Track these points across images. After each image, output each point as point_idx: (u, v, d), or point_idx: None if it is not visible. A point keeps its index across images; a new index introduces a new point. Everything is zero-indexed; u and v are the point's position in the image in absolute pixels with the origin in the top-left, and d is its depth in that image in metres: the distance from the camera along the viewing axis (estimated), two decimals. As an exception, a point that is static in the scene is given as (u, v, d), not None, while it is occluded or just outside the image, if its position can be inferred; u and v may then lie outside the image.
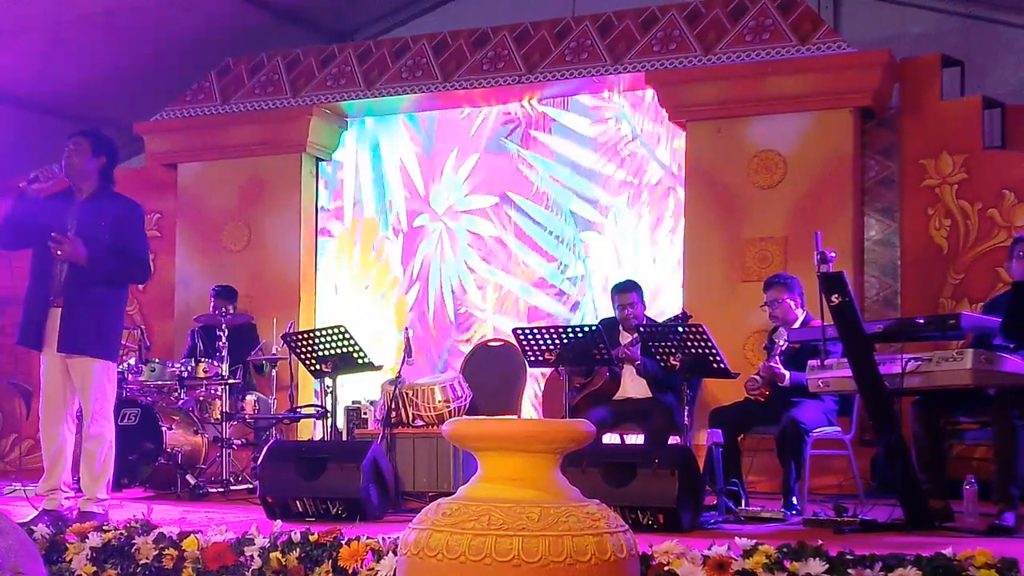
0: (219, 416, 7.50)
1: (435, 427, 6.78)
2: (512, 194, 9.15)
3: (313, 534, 4.38)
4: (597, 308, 8.69)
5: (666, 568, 3.89)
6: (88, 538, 4.72)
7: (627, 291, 7.06)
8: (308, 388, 8.73)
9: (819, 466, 6.79)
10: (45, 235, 5.28)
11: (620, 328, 7.01)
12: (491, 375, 7.68)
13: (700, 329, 5.98)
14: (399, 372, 6.76)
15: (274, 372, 8.30)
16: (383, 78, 9.24)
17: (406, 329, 7.06)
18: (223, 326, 7.62)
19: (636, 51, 8.54)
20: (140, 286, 9.72)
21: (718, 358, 5.95)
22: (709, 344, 5.94)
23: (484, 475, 3.17)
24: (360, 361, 6.71)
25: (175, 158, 9.85)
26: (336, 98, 9.37)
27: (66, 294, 5.28)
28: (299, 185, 9.49)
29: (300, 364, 7.12)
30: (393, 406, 6.85)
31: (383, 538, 4.27)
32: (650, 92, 8.66)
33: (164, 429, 7.36)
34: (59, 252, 5.22)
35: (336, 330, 6.70)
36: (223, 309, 8.22)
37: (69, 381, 5.33)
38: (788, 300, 6.35)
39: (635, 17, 8.67)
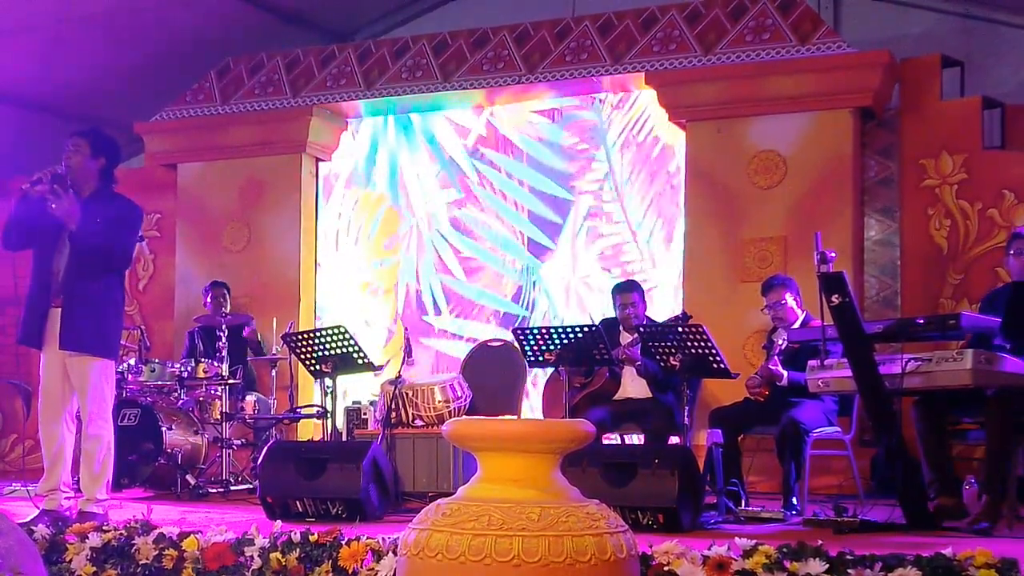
0: (219, 416, 7.50)
1: (435, 427, 6.78)
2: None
3: (313, 534, 4.38)
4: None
5: (666, 568, 3.89)
6: (88, 538, 4.72)
7: (628, 291, 7.07)
8: (308, 388, 8.73)
9: (819, 466, 6.79)
10: (46, 235, 5.30)
11: (620, 328, 7.01)
12: (491, 375, 7.68)
13: (700, 329, 5.99)
14: (399, 372, 6.77)
15: (274, 372, 8.30)
16: (383, 78, 9.24)
17: (405, 328, 7.06)
18: (223, 326, 7.63)
19: (636, 51, 8.54)
20: (139, 286, 9.78)
21: (718, 358, 5.95)
22: (709, 344, 5.94)
23: (484, 475, 3.17)
24: (360, 361, 6.72)
25: (175, 158, 9.85)
26: (336, 98, 9.37)
27: (65, 292, 5.29)
28: (299, 185, 9.48)
29: (300, 364, 7.12)
30: (393, 406, 6.85)
31: (383, 538, 4.27)
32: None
33: (164, 429, 7.36)
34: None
35: (336, 330, 6.71)
36: (220, 302, 8.25)
37: (68, 380, 5.34)
38: (790, 300, 6.36)
39: (635, 17, 8.67)
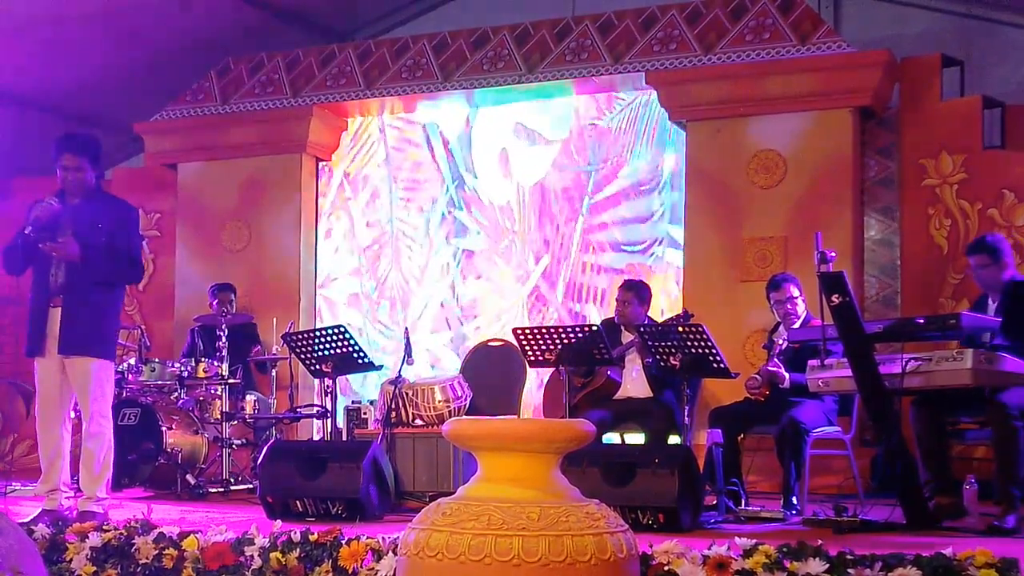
0: (219, 416, 7.50)
1: (435, 427, 6.77)
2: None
3: (313, 534, 4.38)
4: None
5: (666, 568, 3.89)
6: (88, 538, 4.72)
7: (627, 289, 7.09)
8: (308, 388, 8.73)
9: (819, 466, 6.79)
10: (45, 255, 5.33)
11: (623, 328, 7.01)
12: (491, 375, 7.68)
13: (700, 329, 5.99)
14: (399, 372, 6.77)
15: (274, 372, 8.30)
16: (383, 78, 9.24)
17: (405, 329, 7.06)
18: (223, 326, 7.62)
19: (636, 51, 8.54)
20: (139, 286, 9.77)
21: (718, 358, 5.95)
22: (709, 344, 5.94)
23: (484, 475, 3.18)
24: (360, 361, 6.72)
25: (175, 158, 9.85)
26: (336, 98, 9.37)
27: (65, 296, 5.31)
28: (299, 185, 9.48)
29: (300, 364, 7.12)
30: (393, 406, 6.85)
31: (383, 538, 4.27)
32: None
33: (164, 429, 7.35)
34: (55, 254, 5.28)
35: (336, 330, 6.71)
36: (225, 305, 8.24)
37: (67, 382, 5.34)
38: (800, 298, 6.36)
39: (635, 17, 8.67)
